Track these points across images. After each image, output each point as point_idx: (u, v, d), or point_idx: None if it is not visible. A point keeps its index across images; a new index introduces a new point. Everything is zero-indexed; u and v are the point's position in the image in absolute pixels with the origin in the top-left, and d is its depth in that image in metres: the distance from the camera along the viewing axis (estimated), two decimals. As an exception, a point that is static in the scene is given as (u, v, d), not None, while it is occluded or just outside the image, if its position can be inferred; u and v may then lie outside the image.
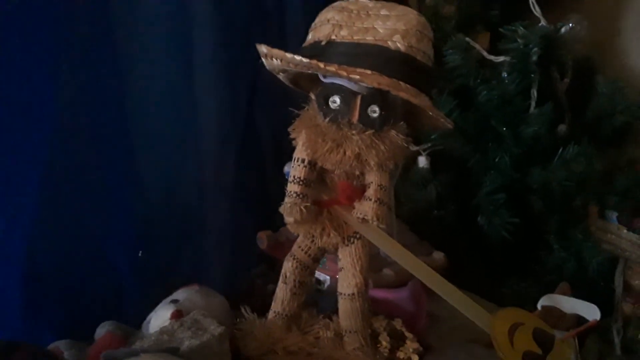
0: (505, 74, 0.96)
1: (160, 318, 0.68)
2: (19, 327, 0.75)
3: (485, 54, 1.00)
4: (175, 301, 0.70)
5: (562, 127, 0.99)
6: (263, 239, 0.91)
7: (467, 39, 1.00)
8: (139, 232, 0.87)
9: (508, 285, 0.96)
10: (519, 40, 0.95)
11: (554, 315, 0.72)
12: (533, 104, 0.97)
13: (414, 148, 1.02)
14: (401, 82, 0.60)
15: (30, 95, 0.74)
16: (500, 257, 0.97)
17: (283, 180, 0.68)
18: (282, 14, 0.99)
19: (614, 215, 0.88)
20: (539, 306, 0.72)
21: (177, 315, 0.67)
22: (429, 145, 1.02)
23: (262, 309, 0.73)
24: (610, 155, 0.99)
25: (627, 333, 0.82)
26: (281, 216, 0.65)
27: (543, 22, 0.98)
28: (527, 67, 0.96)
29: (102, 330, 0.71)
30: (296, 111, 0.66)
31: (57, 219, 0.79)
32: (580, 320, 0.73)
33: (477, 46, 1.00)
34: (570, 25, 0.98)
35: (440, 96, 0.96)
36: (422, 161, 1.04)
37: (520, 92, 0.96)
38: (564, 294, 0.76)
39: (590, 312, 0.69)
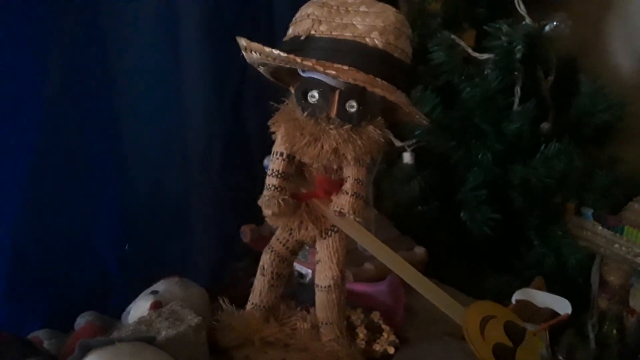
0: (489, 71, 0.97)
1: (139, 309, 0.69)
2: (2, 316, 0.76)
3: (470, 51, 1.01)
4: (155, 292, 0.71)
5: (545, 125, 0.99)
6: (246, 232, 0.92)
7: (453, 36, 1.00)
8: (124, 225, 0.88)
9: (489, 280, 0.97)
10: (502, 37, 0.96)
11: (529, 309, 0.73)
12: (516, 101, 0.98)
13: (398, 144, 1.03)
14: (377, 79, 0.60)
15: (17, 88, 0.75)
16: (481, 252, 0.98)
17: (265, 173, 0.69)
18: (271, 10, 0.99)
19: (589, 212, 0.89)
20: (513, 300, 0.73)
21: (156, 306, 0.67)
22: (414, 141, 1.03)
23: (245, 300, 0.74)
24: (592, 153, 1.00)
25: (602, 328, 0.83)
26: (264, 210, 0.66)
27: (527, 20, 0.98)
28: (510, 64, 0.96)
29: (82, 321, 0.72)
30: (276, 105, 0.67)
31: (43, 209, 0.80)
32: (554, 314, 0.74)
33: (462, 43, 1.01)
34: (555, 23, 0.98)
35: (424, 92, 0.97)
36: (407, 157, 1.04)
37: (503, 89, 0.97)
38: (539, 288, 0.77)
39: (562, 306, 0.70)
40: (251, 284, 0.75)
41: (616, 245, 0.84)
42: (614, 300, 0.84)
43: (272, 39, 0.67)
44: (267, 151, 0.74)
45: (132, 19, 0.85)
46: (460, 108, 0.99)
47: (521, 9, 0.99)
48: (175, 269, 0.83)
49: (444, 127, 0.99)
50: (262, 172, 0.86)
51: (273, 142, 0.68)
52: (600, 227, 0.85)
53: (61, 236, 0.82)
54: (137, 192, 0.89)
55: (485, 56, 0.99)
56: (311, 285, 0.79)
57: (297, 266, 0.88)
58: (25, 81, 0.75)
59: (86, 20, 0.80)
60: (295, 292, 0.81)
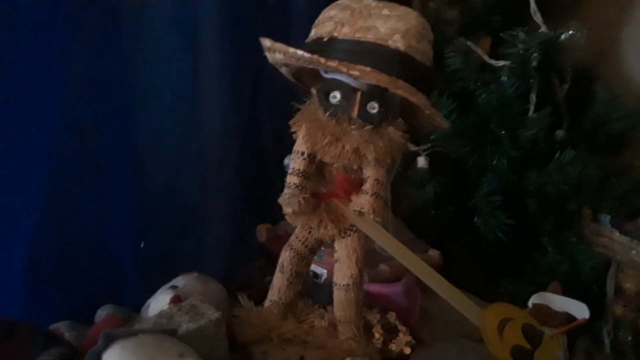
0: (504, 78, 0.98)
1: (159, 303, 0.70)
2: (22, 309, 0.77)
3: (486, 58, 1.02)
4: (174, 287, 0.72)
5: (559, 132, 1.00)
6: (262, 232, 0.93)
7: (469, 43, 1.02)
8: (141, 223, 0.89)
9: (502, 285, 0.97)
10: (519, 45, 0.97)
11: (545, 313, 0.73)
12: (532, 108, 0.98)
13: (413, 148, 1.04)
14: (399, 80, 0.61)
15: (36, 89, 0.76)
16: (495, 257, 0.99)
17: (283, 173, 0.70)
18: (287, 10, 1.00)
19: (607, 218, 0.89)
20: (530, 304, 0.73)
21: (176, 300, 0.68)
22: (429, 146, 1.04)
23: (260, 299, 0.75)
24: (607, 161, 1.01)
25: (617, 335, 0.83)
26: (281, 210, 0.67)
27: (543, 29, 0.99)
28: (526, 72, 0.97)
29: (103, 313, 0.73)
30: (298, 105, 0.68)
31: (62, 206, 0.81)
32: (570, 319, 0.74)
33: (478, 50, 1.02)
34: (570, 32, 0.99)
35: (441, 98, 0.98)
36: (421, 161, 1.05)
37: (519, 96, 0.98)
38: (555, 292, 0.78)
39: (580, 310, 0.70)
40: (268, 283, 0.75)
41: (633, 252, 0.84)
42: (630, 307, 0.84)
43: (288, 41, 0.67)
44: (284, 151, 0.75)
45: (150, 22, 0.86)
46: (475, 114, 1.00)
47: (537, 17, 1.00)
48: (190, 268, 0.84)
49: (460, 132, 1.00)
50: (279, 172, 0.87)
51: (290, 141, 0.69)
52: (617, 234, 0.86)
53: (78, 233, 0.82)
54: (153, 191, 0.90)
55: (501, 63, 1.00)
56: (326, 285, 0.80)
57: (313, 266, 0.88)
58: (43, 83, 0.77)
59: (105, 24, 0.82)
60: (310, 291, 0.82)
